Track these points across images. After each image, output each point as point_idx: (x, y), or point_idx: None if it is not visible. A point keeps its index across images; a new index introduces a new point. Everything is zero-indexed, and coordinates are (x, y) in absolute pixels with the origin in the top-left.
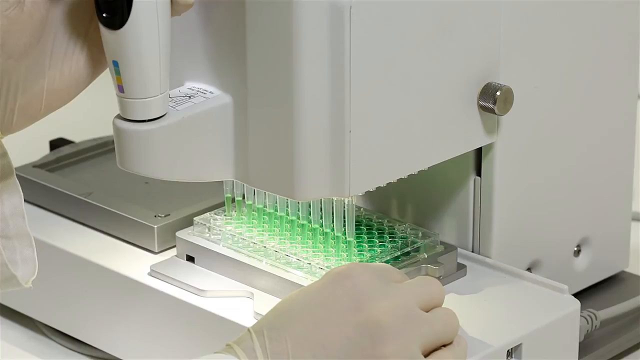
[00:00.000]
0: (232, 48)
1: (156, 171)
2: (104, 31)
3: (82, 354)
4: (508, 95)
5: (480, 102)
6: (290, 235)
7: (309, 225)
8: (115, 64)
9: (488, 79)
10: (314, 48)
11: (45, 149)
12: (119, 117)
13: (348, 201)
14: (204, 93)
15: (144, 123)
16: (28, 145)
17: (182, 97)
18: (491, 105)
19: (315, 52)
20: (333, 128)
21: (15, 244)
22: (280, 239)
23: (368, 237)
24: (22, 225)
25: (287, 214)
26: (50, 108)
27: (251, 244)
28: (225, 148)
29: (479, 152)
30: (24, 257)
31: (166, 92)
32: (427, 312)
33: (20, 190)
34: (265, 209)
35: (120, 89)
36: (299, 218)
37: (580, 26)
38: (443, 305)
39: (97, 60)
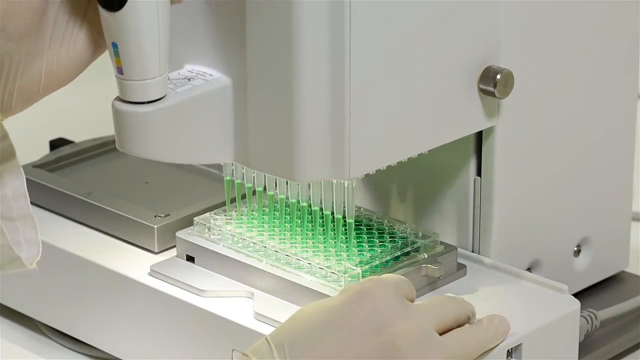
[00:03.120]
0: (231, 30)
1: (155, 153)
2: (103, 13)
3: (82, 354)
4: (508, 79)
5: (481, 86)
6: (291, 235)
7: (308, 209)
8: (115, 45)
9: (488, 62)
10: (314, 29)
11: (45, 149)
12: (118, 99)
13: (348, 184)
14: (204, 75)
15: (143, 105)
16: (28, 145)
17: (181, 80)
18: (491, 89)
19: (316, 34)
20: (333, 110)
21: (18, 226)
22: (280, 239)
23: (368, 237)
24: (25, 206)
25: (276, 217)
26: (48, 89)
27: (251, 244)
28: (224, 130)
29: (479, 152)
30: (27, 238)
31: (165, 74)
32: (443, 332)
33: (23, 172)
34: (264, 209)
35: (120, 70)
36: (288, 222)
37: (580, 27)
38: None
39: (95, 41)
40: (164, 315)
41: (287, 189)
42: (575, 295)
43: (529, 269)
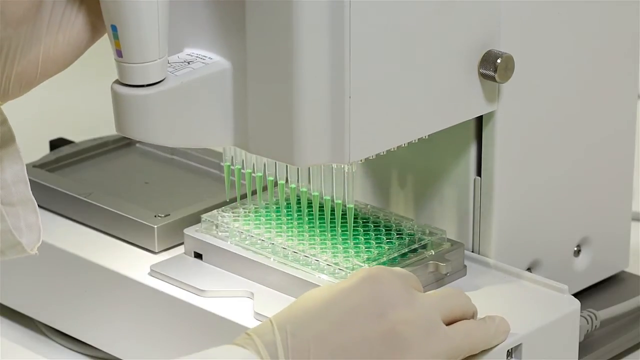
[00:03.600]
0: (231, 13)
1: (154, 137)
2: None
3: (82, 354)
4: (509, 63)
5: (481, 70)
6: (298, 232)
7: (305, 227)
8: (114, 28)
9: (489, 46)
10: (313, 12)
11: (45, 149)
12: (117, 82)
13: (348, 169)
14: (203, 59)
15: (143, 88)
16: (28, 145)
17: (181, 63)
18: (492, 73)
19: (315, 17)
20: (333, 93)
21: (19, 211)
22: (288, 236)
23: (375, 234)
24: (25, 191)
25: (286, 215)
26: (46, 74)
27: (259, 241)
28: (224, 114)
29: (479, 152)
30: (28, 223)
31: (165, 57)
32: (449, 323)
33: (22, 157)
34: (262, 209)
35: (119, 53)
36: (296, 219)
37: (581, 19)
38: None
39: (93, 26)
40: (164, 315)
41: (286, 177)
42: (575, 295)
43: (529, 269)
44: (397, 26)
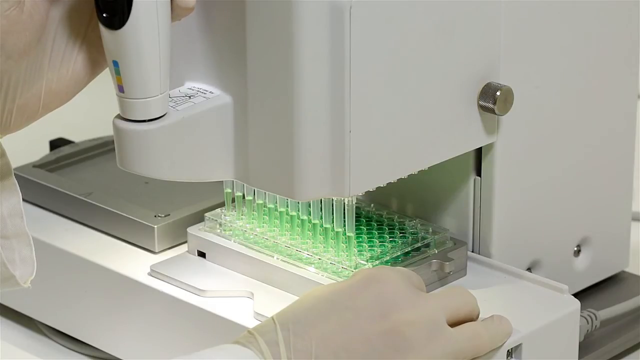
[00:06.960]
0: (232, 48)
1: (156, 171)
2: (104, 31)
3: (82, 354)
4: (508, 95)
5: (480, 102)
6: (301, 231)
7: (308, 225)
8: (115, 64)
9: (488, 79)
10: (314, 48)
11: (45, 149)
12: (119, 117)
13: (348, 201)
14: (204, 93)
15: (144, 123)
16: (28, 145)
17: (182, 97)
18: (491, 105)
19: (315, 52)
20: (333, 128)
21: (13, 244)
22: (291, 234)
23: (379, 233)
24: (20, 225)
25: (287, 213)
26: (48, 108)
27: (262, 240)
28: (225, 148)
29: (479, 152)
30: (22, 256)
31: (166, 92)
32: (454, 324)
33: (19, 191)
34: (266, 207)
35: (120, 89)
36: (299, 218)
37: (580, 26)
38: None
39: (95, 60)
40: (164, 315)
41: (287, 210)
42: (575, 295)
43: (529, 269)
44: (396, 60)
